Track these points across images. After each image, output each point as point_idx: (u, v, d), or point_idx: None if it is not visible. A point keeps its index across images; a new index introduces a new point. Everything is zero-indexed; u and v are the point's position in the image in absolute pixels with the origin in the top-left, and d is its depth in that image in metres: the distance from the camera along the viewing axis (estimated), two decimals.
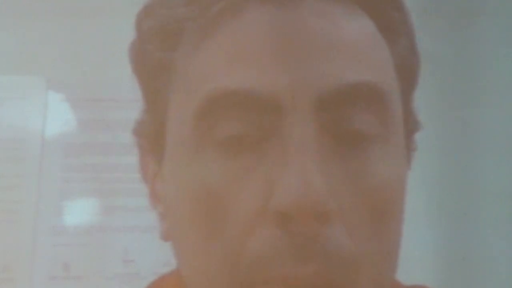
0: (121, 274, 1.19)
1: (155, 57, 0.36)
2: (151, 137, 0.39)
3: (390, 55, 0.37)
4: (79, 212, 1.22)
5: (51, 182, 1.23)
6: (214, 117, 0.32)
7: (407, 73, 0.39)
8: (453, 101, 1.29)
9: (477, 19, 1.32)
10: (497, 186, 1.24)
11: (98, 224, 1.21)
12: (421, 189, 1.25)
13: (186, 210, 0.34)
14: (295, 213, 0.29)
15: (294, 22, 0.33)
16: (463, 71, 1.30)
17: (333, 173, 0.31)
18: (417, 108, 0.40)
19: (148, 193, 0.41)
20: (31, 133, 1.25)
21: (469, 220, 1.23)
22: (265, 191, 0.31)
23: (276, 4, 0.33)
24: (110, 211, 1.19)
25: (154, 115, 0.38)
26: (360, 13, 0.36)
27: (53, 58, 1.24)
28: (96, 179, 1.21)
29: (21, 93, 1.27)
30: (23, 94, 1.27)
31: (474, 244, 1.22)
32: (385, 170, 0.33)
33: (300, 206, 0.29)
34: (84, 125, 1.25)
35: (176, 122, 0.35)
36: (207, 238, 0.32)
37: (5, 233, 1.20)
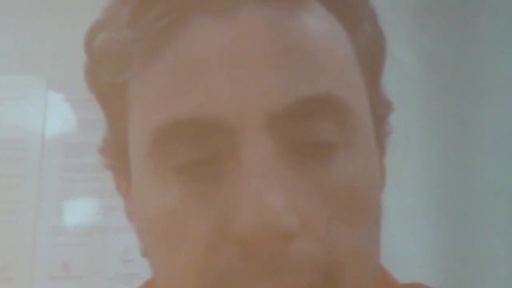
0: (121, 274, 1.19)
1: (107, 80, 0.36)
2: (116, 155, 0.38)
3: (351, 49, 0.35)
4: (79, 212, 1.22)
5: (51, 182, 1.23)
6: (167, 146, 0.32)
7: (372, 60, 0.37)
8: (453, 101, 1.29)
9: (477, 19, 1.32)
10: (497, 186, 1.24)
11: (98, 224, 1.21)
12: (421, 189, 1.25)
13: (150, 230, 0.34)
14: (255, 239, 0.29)
15: (238, 35, 0.32)
16: (463, 70, 1.30)
17: (295, 187, 0.31)
18: (386, 90, 0.39)
19: (124, 209, 0.41)
20: (31, 133, 1.25)
21: (469, 220, 1.23)
22: (225, 215, 0.30)
23: (218, 14, 0.32)
24: (110, 211, 1.19)
25: (116, 134, 0.38)
26: (316, 6, 0.34)
27: (53, 58, 1.24)
28: (96, 179, 1.21)
29: (21, 93, 1.27)
30: (23, 94, 1.27)
31: (474, 244, 1.22)
32: (350, 174, 0.32)
33: (259, 231, 0.28)
34: (84, 125, 1.25)
35: (135, 145, 0.35)
36: (171, 259, 0.32)
37: (5, 233, 1.20)
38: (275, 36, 0.32)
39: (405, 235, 1.18)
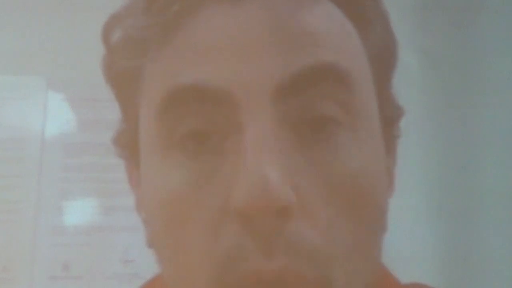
0: (121, 274, 1.19)
1: (122, 66, 0.37)
2: (129, 145, 0.39)
3: (361, 44, 0.36)
4: (79, 212, 1.22)
5: (51, 182, 1.23)
6: (173, 114, 0.33)
7: (383, 61, 0.37)
8: (453, 101, 1.29)
9: (477, 18, 1.32)
10: (497, 186, 1.24)
11: (98, 224, 1.21)
12: (421, 189, 1.25)
13: (157, 215, 0.34)
14: (253, 212, 0.29)
15: (248, 16, 0.33)
16: (463, 70, 1.30)
17: (296, 165, 0.31)
18: (396, 95, 0.39)
19: (135, 201, 0.41)
20: (31, 133, 1.25)
21: (469, 220, 1.23)
22: (225, 191, 0.30)
23: (231, 2, 0.33)
24: (110, 211, 1.19)
25: (129, 123, 0.39)
26: (325, 2, 0.35)
27: (53, 58, 1.24)
28: (96, 179, 1.21)
29: (21, 93, 1.27)
30: (23, 94, 1.27)
31: (474, 244, 1.22)
32: (354, 158, 0.32)
33: (256, 205, 0.29)
34: (84, 125, 1.25)
35: (144, 127, 0.36)
36: (178, 243, 0.32)
37: (5, 233, 1.20)
38: (281, 21, 0.33)
39: (405, 235, 1.18)
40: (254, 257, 0.30)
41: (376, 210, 0.34)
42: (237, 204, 0.29)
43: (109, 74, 0.39)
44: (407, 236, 1.19)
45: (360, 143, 0.33)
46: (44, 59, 1.25)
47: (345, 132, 0.32)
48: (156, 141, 0.34)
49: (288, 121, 0.31)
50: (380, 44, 0.37)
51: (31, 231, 1.20)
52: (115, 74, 0.38)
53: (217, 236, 0.31)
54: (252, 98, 0.31)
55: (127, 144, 0.39)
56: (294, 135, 0.31)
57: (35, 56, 1.25)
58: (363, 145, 0.33)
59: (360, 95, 0.33)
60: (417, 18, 1.32)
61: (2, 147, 1.25)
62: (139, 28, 0.35)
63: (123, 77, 0.38)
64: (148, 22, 0.35)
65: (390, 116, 0.38)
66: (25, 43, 1.26)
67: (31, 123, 1.26)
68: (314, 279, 0.30)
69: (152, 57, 0.35)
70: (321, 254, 0.30)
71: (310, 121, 0.32)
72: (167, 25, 0.34)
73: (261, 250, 0.29)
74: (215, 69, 0.32)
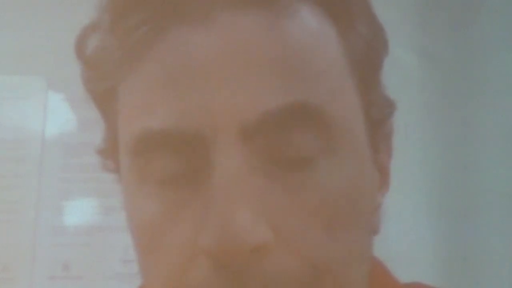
0: (121, 274, 1.19)
1: (98, 85, 0.36)
2: (112, 158, 0.39)
3: (340, 50, 0.34)
4: (79, 212, 1.22)
5: (51, 182, 1.23)
6: (146, 156, 0.32)
7: (367, 60, 0.36)
8: (453, 101, 1.29)
9: (477, 18, 1.32)
10: (497, 186, 1.24)
11: (98, 224, 1.21)
12: (421, 189, 1.25)
13: (135, 240, 0.34)
14: (222, 252, 0.29)
15: (213, 44, 0.31)
16: (463, 70, 1.30)
17: (269, 199, 0.30)
18: (385, 87, 0.38)
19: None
20: (31, 133, 1.25)
21: (469, 220, 1.23)
22: (196, 228, 0.30)
23: (195, 23, 0.31)
24: (110, 211, 1.19)
25: (111, 136, 0.38)
26: (302, 9, 0.33)
27: (53, 58, 1.24)
28: (96, 179, 1.21)
29: (21, 93, 1.27)
30: (23, 94, 1.27)
31: (474, 244, 1.22)
32: (334, 178, 0.32)
33: (225, 248, 0.28)
34: (84, 125, 1.25)
35: (121, 154, 0.36)
36: (152, 269, 0.33)
37: (5, 233, 1.20)
38: (250, 46, 0.31)
39: (405, 235, 1.18)
40: None
41: (361, 219, 0.33)
42: (206, 245, 0.29)
43: (87, 88, 0.38)
44: (407, 236, 1.19)
45: (340, 165, 0.32)
46: (44, 59, 1.25)
47: (322, 159, 0.31)
48: (132, 172, 0.34)
49: (258, 157, 0.30)
50: (364, 41, 0.36)
51: (31, 231, 1.20)
52: (92, 91, 0.38)
53: (185, 271, 0.31)
54: (221, 136, 0.30)
55: (111, 156, 0.39)
56: (266, 170, 0.30)
57: (35, 56, 1.25)
58: (344, 166, 0.32)
59: (336, 117, 0.32)
60: (417, 18, 1.32)
61: (2, 147, 1.25)
62: (108, 48, 0.34)
63: (100, 95, 0.37)
64: (115, 43, 0.33)
65: (379, 116, 0.37)
66: (25, 43, 1.26)
67: (31, 123, 1.26)
68: None
69: (123, 78, 0.34)
70: (307, 276, 0.30)
71: (284, 157, 0.31)
72: (134, 48, 0.32)
73: (234, 286, 0.29)
74: (181, 108, 0.31)
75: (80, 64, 0.37)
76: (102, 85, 0.36)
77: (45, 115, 1.26)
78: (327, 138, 0.32)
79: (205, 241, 0.29)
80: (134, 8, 0.32)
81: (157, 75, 0.32)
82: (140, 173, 0.33)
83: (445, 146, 1.28)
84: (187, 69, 0.31)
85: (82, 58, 0.37)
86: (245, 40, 0.31)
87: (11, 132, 1.25)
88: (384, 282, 0.41)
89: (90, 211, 1.22)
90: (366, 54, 0.36)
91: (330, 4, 0.34)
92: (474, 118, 1.28)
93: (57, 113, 1.27)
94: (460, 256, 1.22)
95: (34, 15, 1.28)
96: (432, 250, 1.23)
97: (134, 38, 0.32)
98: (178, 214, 0.31)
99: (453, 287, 1.17)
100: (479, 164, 1.26)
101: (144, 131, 0.32)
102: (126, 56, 0.33)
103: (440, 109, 1.28)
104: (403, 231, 1.17)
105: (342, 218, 0.32)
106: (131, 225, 0.35)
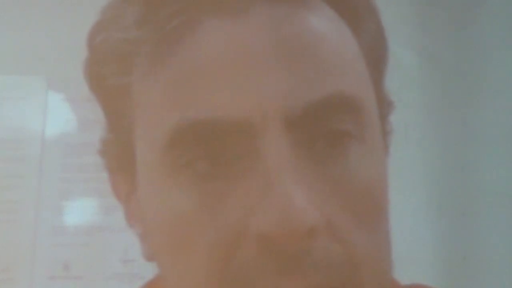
0: (121, 274, 1.19)
1: (112, 82, 0.36)
2: (119, 157, 0.38)
3: (357, 46, 0.36)
4: (79, 212, 1.23)
5: (51, 182, 1.23)
6: (183, 146, 0.32)
7: (376, 59, 0.37)
8: (453, 101, 1.29)
9: (477, 18, 1.32)
10: (497, 186, 1.24)
11: (98, 224, 1.21)
12: (421, 189, 1.25)
13: (164, 235, 0.34)
14: (280, 235, 0.29)
15: (249, 36, 0.32)
16: (463, 70, 1.30)
17: (315, 185, 0.31)
18: (387, 89, 0.39)
19: (124, 212, 0.41)
20: (31, 133, 1.25)
21: (469, 220, 1.23)
22: (244, 215, 0.30)
23: (228, 15, 0.32)
24: (110, 211, 1.19)
25: (118, 135, 0.38)
26: (321, 5, 0.35)
27: (53, 58, 1.24)
28: (96, 179, 1.21)
29: (21, 93, 1.28)
30: (23, 94, 1.28)
31: (474, 244, 1.22)
32: (365, 171, 0.33)
33: (285, 227, 0.29)
34: (84, 125, 1.25)
35: (144, 148, 0.35)
36: (185, 260, 0.32)
37: (5, 233, 1.20)
38: (287, 37, 0.32)
39: (405, 235, 1.18)
40: (271, 276, 0.30)
41: (384, 216, 0.34)
42: (263, 227, 0.29)
43: (94, 85, 0.38)
44: (407, 236, 1.19)
45: (368, 153, 0.33)
46: (44, 59, 1.25)
47: (356, 145, 0.33)
48: (163, 165, 0.33)
49: (303, 141, 0.31)
50: (373, 40, 0.37)
51: (31, 231, 1.20)
52: (102, 87, 0.37)
53: (231, 257, 0.31)
54: (268, 124, 0.31)
55: (116, 155, 0.38)
56: (309, 154, 0.31)
57: (35, 56, 1.25)
58: (371, 155, 0.34)
59: (366, 107, 0.34)
60: (417, 18, 1.32)
61: (2, 147, 1.25)
62: (131, 42, 0.34)
63: (111, 92, 0.36)
64: (142, 36, 0.33)
65: (384, 113, 0.38)
66: (25, 43, 1.26)
67: (31, 123, 1.26)
68: None
69: (143, 73, 0.34)
70: (347, 267, 0.31)
71: (325, 136, 0.32)
72: (163, 41, 0.32)
73: (281, 269, 0.30)
74: (226, 98, 0.31)
75: (91, 58, 0.37)
76: (117, 80, 0.35)
77: (45, 115, 1.26)
78: (359, 126, 0.33)
79: (263, 224, 0.29)
80: (166, 1, 0.33)
81: (193, 67, 0.32)
82: (174, 165, 0.32)
83: (445, 146, 1.28)
84: (224, 60, 0.32)
85: (94, 52, 0.36)
86: (281, 32, 0.32)
87: (11, 132, 1.25)
88: None
89: (90, 211, 1.22)
90: (376, 52, 0.37)
91: (341, 5, 0.35)
92: (474, 118, 1.28)
93: (57, 113, 1.27)
94: (460, 256, 1.22)
95: (34, 15, 1.28)
96: (432, 250, 1.23)
97: (165, 31, 0.32)
98: (218, 205, 0.31)
99: (453, 287, 1.17)
100: (479, 164, 1.26)
101: (185, 121, 0.31)
102: (152, 50, 0.33)
103: (440, 109, 1.28)
104: (403, 231, 1.17)
105: (373, 210, 0.33)
106: (159, 218, 0.34)
